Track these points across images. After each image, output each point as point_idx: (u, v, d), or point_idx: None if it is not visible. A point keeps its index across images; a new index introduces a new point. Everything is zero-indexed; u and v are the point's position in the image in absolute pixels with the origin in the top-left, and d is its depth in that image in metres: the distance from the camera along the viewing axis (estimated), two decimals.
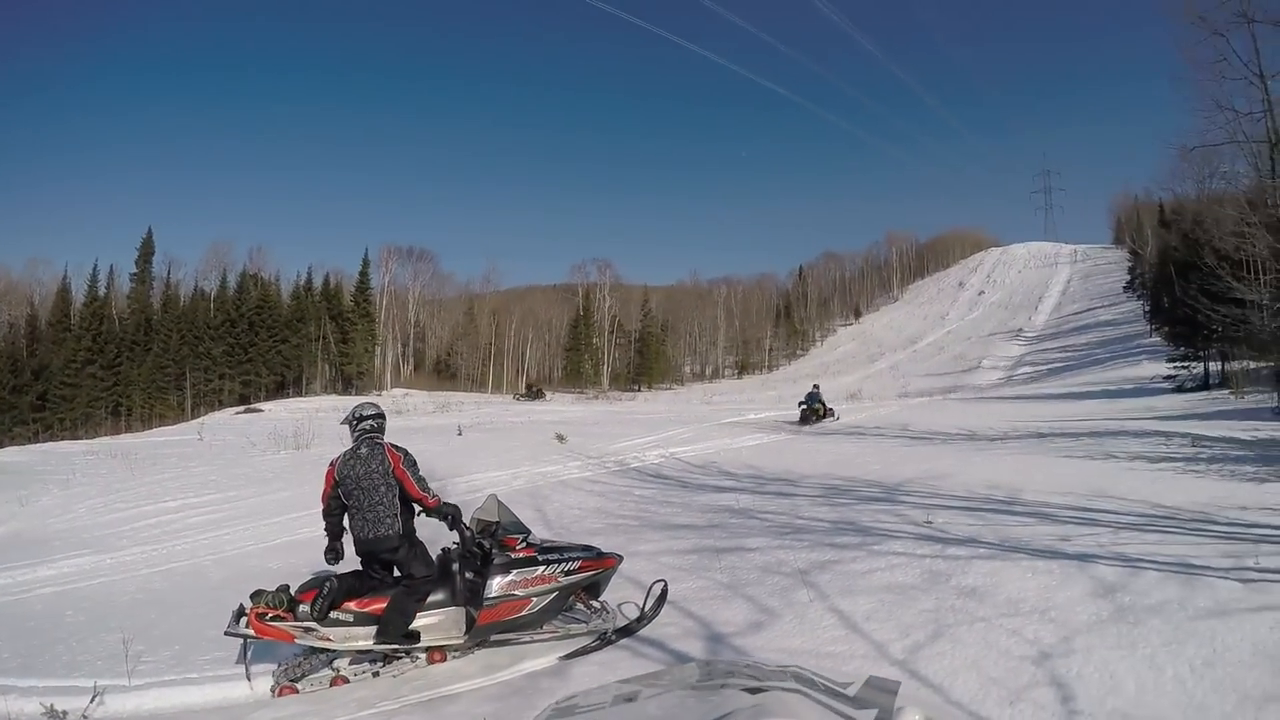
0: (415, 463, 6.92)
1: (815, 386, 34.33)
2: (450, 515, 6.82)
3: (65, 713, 6.60)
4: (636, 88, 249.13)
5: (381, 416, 7.18)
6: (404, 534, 6.79)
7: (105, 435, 50.68)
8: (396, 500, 6.76)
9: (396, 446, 6.94)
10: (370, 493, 6.71)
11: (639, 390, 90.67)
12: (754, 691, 2.14)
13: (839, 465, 15.72)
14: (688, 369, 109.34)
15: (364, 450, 6.85)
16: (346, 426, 7.20)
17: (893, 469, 14.57)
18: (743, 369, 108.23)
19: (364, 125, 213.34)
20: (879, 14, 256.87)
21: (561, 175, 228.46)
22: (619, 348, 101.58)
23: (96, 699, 6.80)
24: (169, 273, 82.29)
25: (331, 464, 6.99)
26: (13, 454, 34.05)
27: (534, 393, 74.52)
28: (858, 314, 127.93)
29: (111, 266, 79.68)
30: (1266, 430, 18.17)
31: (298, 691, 6.65)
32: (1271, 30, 17.92)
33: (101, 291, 76.44)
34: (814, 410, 30.89)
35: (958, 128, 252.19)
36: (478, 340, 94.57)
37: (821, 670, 2.42)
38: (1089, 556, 7.31)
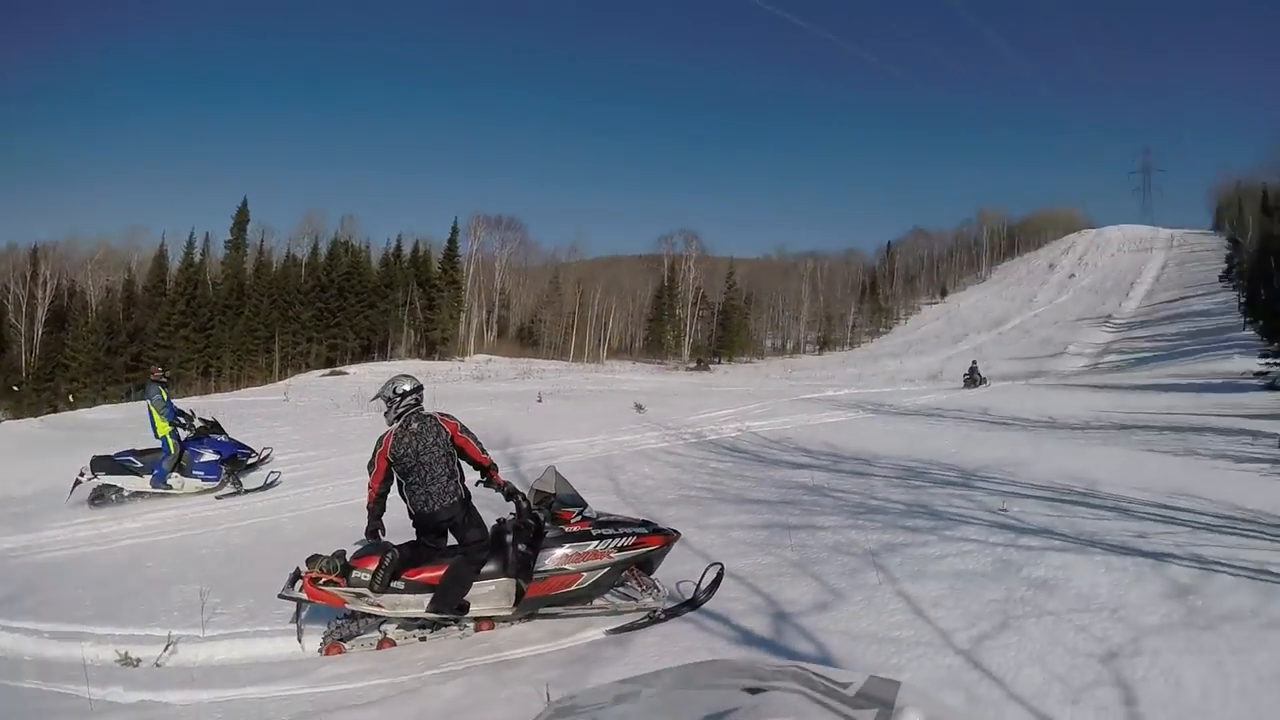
0: (469, 427, 7.00)
1: (974, 361, 46.29)
2: (506, 486, 6.92)
3: (139, 660, 6.96)
4: (724, 56, 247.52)
5: (420, 389, 7.13)
6: (463, 501, 6.86)
7: (195, 395, 52.13)
8: (457, 469, 6.85)
9: (447, 415, 7.02)
10: (430, 466, 6.75)
11: (719, 362, 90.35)
12: (754, 691, 2.13)
13: (916, 447, 15.59)
14: (769, 343, 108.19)
15: (415, 425, 6.85)
16: (382, 402, 7.12)
17: (970, 453, 14.42)
18: (824, 345, 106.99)
19: (455, 97, 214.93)
20: None
21: (649, 146, 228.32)
22: (701, 319, 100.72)
23: (170, 648, 7.12)
24: (263, 240, 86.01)
25: (383, 443, 6.94)
26: (105, 412, 35.83)
27: (702, 364, 74.75)
28: (944, 293, 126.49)
29: (207, 234, 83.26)
30: None
31: (344, 651, 6.85)
32: None
33: (197, 258, 79.67)
34: (973, 379, 40.58)
35: (1056, 104, 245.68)
36: (561, 308, 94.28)
37: (821, 672, 2.36)
38: (1164, 556, 7.19)
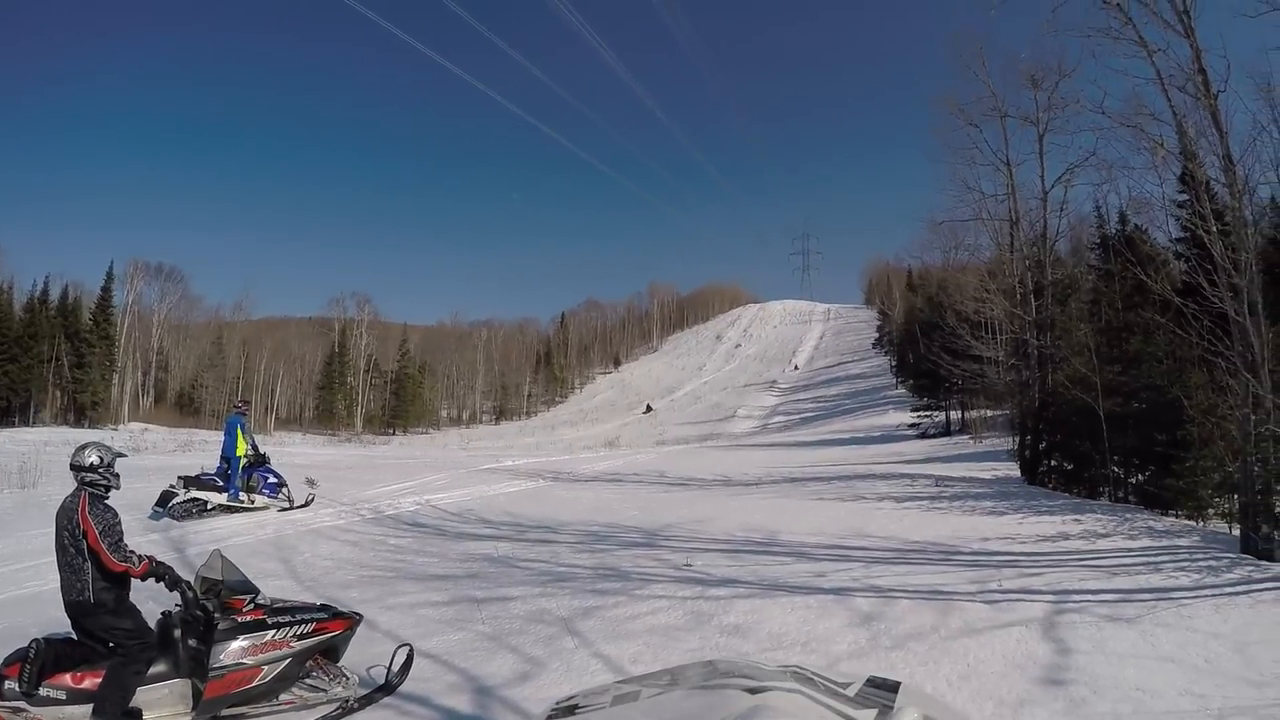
0: (114, 526, 5.90)
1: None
2: (166, 576, 6.11)
3: None
4: (402, 121, 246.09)
5: (101, 467, 6.06)
6: (96, 602, 5.85)
7: None
8: (88, 565, 5.82)
9: (97, 507, 5.90)
10: (62, 551, 5.86)
11: (394, 434, 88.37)
12: (754, 691, 2.15)
13: (599, 512, 15.94)
14: (445, 413, 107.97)
15: (68, 500, 5.94)
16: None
17: (652, 515, 14.94)
18: (501, 414, 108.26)
19: (123, 124, 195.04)
20: (652, 73, 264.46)
21: (322, 201, 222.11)
22: (374, 388, 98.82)
23: None
24: None
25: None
26: None
27: (648, 409, 73.99)
28: (617, 363, 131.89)
29: None
30: (1003, 469, 20.24)
31: None
32: (1019, 124, 21.20)
33: None
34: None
35: (724, 187, 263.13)
36: (225, 373, 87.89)
37: (821, 672, 2.46)
38: (845, 590, 7.81)
